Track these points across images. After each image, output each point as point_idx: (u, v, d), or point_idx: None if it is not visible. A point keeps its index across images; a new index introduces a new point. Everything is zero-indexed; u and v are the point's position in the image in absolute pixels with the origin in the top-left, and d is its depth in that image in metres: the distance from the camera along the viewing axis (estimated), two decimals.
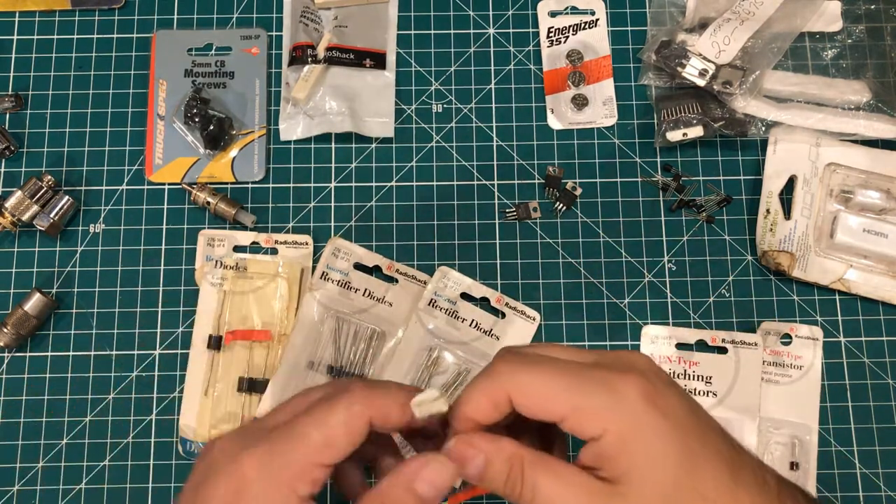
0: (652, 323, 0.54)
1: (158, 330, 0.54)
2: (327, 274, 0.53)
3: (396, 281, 0.54)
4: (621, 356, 0.33)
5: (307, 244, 0.54)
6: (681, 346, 0.53)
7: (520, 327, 0.53)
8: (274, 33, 0.59)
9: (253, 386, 0.52)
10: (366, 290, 0.53)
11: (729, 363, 0.52)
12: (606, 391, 0.31)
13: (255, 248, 0.55)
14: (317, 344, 0.53)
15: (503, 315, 0.53)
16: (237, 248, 0.55)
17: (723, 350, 0.53)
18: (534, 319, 0.53)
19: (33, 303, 0.52)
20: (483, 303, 0.54)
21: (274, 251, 0.54)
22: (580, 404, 0.31)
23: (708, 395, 0.52)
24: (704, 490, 0.30)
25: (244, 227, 0.55)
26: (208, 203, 0.54)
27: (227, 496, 0.31)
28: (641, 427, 0.30)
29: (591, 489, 0.30)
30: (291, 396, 0.35)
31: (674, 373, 0.53)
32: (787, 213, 0.56)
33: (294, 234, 0.55)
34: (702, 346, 0.53)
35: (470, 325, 0.53)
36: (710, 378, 0.52)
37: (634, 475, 0.30)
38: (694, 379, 0.52)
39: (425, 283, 0.54)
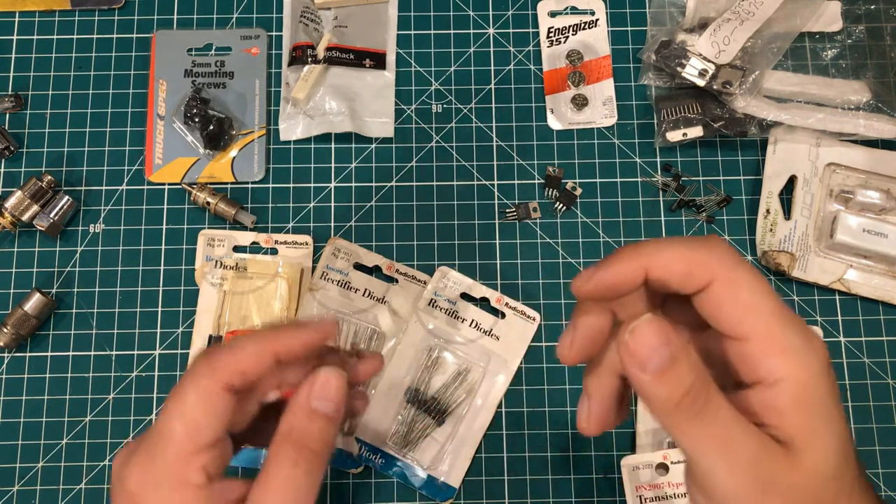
0: None
1: (158, 330, 0.54)
2: (327, 274, 0.53)
3: (396, 281, 0.54)
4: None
5: (307, 244, 0.54)
6: None
7: (520, 327, 0.53)
8: (274, 33, 0.59)
9: None
10: (366, 290, 0.53)
11: None
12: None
13: (255, 248, 0.55)
14: None
15: (503, 315, 0.53)
16: (237, 249, 0.55)
17: None
18: (534, 319, 0.53)
19: (33, 303, 0.52)
20: (483, 303, 0.54)
21: (274, 251, 0.54)
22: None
23: None
24: (855, 471, 0.26)
25: (244, 228, 0.55)
26: (208, 203, 0.54)
27: None
28: (820, 383, 0.25)
29: (764, 446, 0.25)
30: None
31: None
32: (787, 213, 0.56)
33: (294, 235, 0.55)
34: None
35: (470, 325, 0.53)
36: None
37: (811, 441, 0.25)
38: None
39: (425, 283, 0.54)
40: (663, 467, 0.50)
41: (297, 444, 0.31)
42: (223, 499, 0.31)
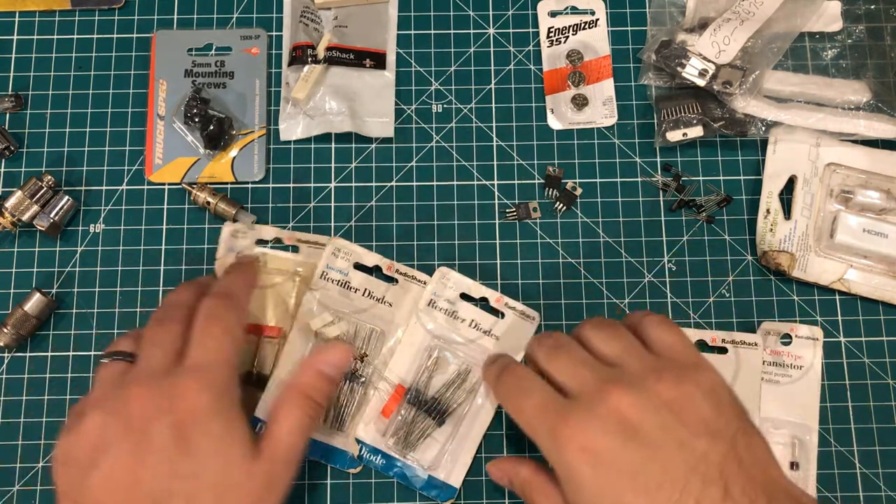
0: None
1: None
2: (327, 274, 0.53)
3: (396, 281, 0.54)
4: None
5: (326, 245, 0.54)
6: None
7: (519, 327, 0.53)
8: (274, 33, 0.59)
9: (260, 380, 0.52)
10: (366, 290, 0.53)
11: (729, 363, 0.52)
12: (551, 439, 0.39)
13: (277, 245, 0.55)
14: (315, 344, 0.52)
15: (503, 315, 0.53)
16: (259, 243, 0.54)
17: (723, 350, 0.53)
18: (533, 319, 0.53)
19: (33, 303, 0.52)
20: (483, 303, 0.54)
21: (295, 249, 0.54)
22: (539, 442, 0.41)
23: None
24: None
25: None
26: (208, 203, 0.54)
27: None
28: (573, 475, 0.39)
29: None
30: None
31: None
32: (787, 213, 0.56)
33: (316, 235, 0.55)
34: (702, 346, 0.53)
35: (469, 326, 0.53)
36: None
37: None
38: None
39: (425, 283, 0.54)
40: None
41: (304, 394, 0.43)
42: None
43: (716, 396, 0.39)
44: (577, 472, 0.38)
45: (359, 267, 0.54)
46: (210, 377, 0.40)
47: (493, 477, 0.48)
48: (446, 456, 0.51)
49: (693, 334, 0.53)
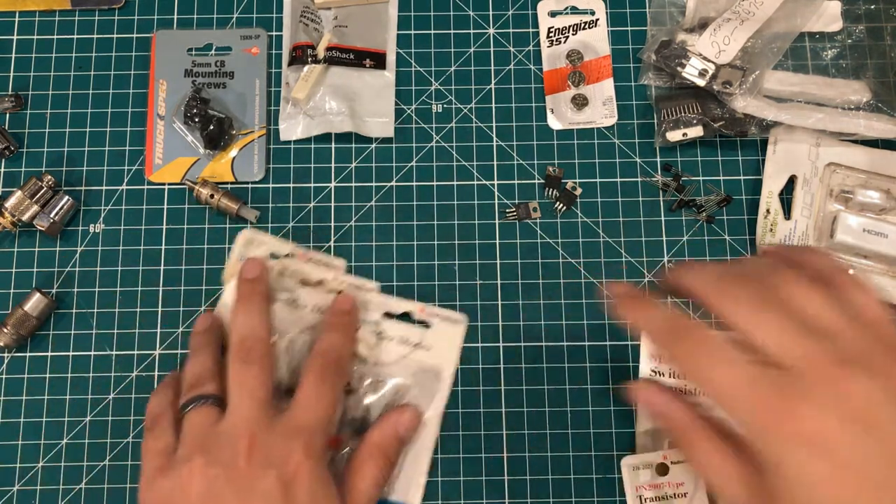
0: None
1: (158, 330, 0.54)
2: (274, 295, 0.50)
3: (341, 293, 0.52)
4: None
5: (340, 268, 0.52)
6: None
7: (447, 333, 0.52)
8: (274, 33, 0.59)
9: None
10: (313, 305, 0.51)
11: None
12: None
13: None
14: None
15: (429, 325, 0.52)
16: (273, 257, 0.52)
17: None
18: (460, 322, 0.52)
19: (33, 303, 0.52)
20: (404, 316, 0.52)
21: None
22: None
23: None
24: None
25: (247, 223, 0.55)
26: (211, 197, 0.54)
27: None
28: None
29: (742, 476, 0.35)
30: None
31: (674, 372, 0.53)
32: (788, 213, 0.56)
33: (328, 256, 0.53)
34: None
35: (398, 343, 0.51)
36: None
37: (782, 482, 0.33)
38: None
39: (361, 288, 0.52)
40: (663, 467, 0.50)
41: (384, 453, 0.47)
42: None
43: None
44: (804, 466, 0.32)
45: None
46: (314, 442, 0.43)
47: (639, 399, 0.40)
48: (400, 474, 0.49)
49: None
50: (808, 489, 0.32)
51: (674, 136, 0.55)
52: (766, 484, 0.33)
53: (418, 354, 0.52)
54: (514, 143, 0.57)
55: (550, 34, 0.59)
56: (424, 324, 0.52)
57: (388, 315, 0.52)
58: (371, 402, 0.50)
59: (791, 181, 0.56)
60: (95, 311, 0.54)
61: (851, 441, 0.31)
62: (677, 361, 0.38)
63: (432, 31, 0.59)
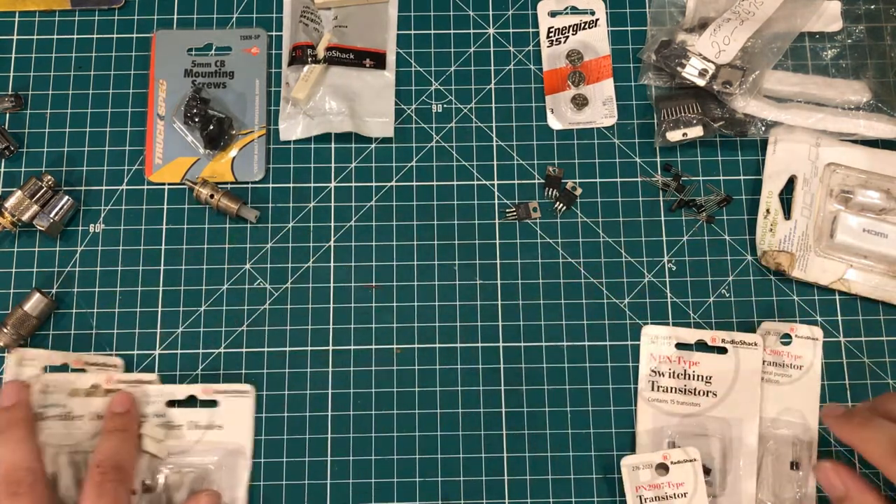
0: (652, 323, 0.54)
1: (158, 330, 0.54)
2: (44, 413, 0.49)
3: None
4: None
5: (116, 367, 0.52)
6: (681, 345, 0.53)
7: (237, 406, 0.52)
8: (274, 33, 0.59)
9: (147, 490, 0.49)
10: (90, 412, 0.50)
11: (729, 363, 0.52)
12: None
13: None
14: (57, 487, 0.48)
15: (216, 403, 0.52)
16: (52, 369, 0.51)
17: (723, 350, 0.53)
18: (247, 393, 0.52)
19: (33, 303, 0.52)
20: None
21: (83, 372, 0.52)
22: None
23: (708, 394, 0.52)
24: None
25: (247, 222, 0.55)
26: (211, 197, 0.54)
27: None
28: None
29: None
30: None
31: (674, 372, 0.53)
32: (788, 213, 0.56)
33: (105, 356, 0.52)
34: (702, 346, 0.53)
35: (188, 429, 0.51)
36: (710, 378, 0.52)
37: None
38: (694, 379, 0.52)
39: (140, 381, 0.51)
40: (663, 467, 0.50)
41: None
42: None
43: None
44: None
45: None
46: None
47: (823, 480, 0.45)
48: None
49: (693, 334, 0.53)
50: None
51: (674, 135, 0.55)
52: None
53: (212, 435, 0.51)
54: (514, 143, 0.57)
55: (550, 34, 0.59)
56: (213, 402, 0.52)
57: (172, 403, 0.51)
58: (175, 495, 0.49)
59: (791, 181, 0.56)
60: (95, 311, 0.54)
61: None
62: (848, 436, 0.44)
63: (432, 31, 0.59)
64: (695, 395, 0.52)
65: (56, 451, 0.49)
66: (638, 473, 0.50)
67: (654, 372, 0.53)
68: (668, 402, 0.52)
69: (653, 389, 0.53)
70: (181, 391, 0.51)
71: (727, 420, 0.51)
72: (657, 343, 0.53)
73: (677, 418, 0.52)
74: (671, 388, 0.52)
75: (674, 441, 0.52)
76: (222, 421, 0.51)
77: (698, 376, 0.52)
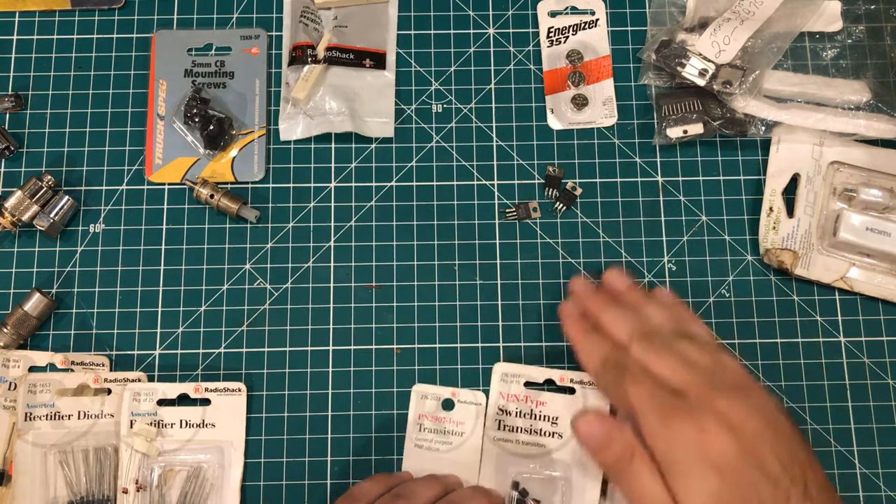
0: (504, 361, 0.53)
1: (158, 330, 0.54)
2: (31, 413, 0.50)
3: (109, 391, 0.51)
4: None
5: (103, 365, 0.52)
6: (529, 384, 0.52)
7: (229, 405, 0.52)
8: (274, 33, 0.59)
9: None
10: (79, 412, 0.50)
11: (577, 404, 0.51)
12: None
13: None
14: (46, 487, 0.49)
15: (208, 402, 0.52)
16: (33, 369, 0.52)
17: (571, 391, 0.52)
18: (239, 391, 0.52)
19: (33, 303, 0.52)
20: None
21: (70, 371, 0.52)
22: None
23: (553, 435, 0.51)
24: None
25: (247, 222, 0.55)
26: (211, 197, 0.54)
27: None
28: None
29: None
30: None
31: (520, 412, 0.51)
32: (790, 211, 0.55)
33: (93, 354, 0.52)
34: (551, 385, 0.52)
35: (181, 427, 0.51)
36: (557, 419, 0.51)
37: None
38: (540, 419, 0.51)
39: (126, 380, 0.51)
40: (450, 403, 0.51)
41: None
42: None
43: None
44: (700, 475, 0.38)
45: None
46: None
47: (582, 433, 0.43)
48: None
49: (542, 373, 0.52)
50: (703, 495, 0.39)
51: (674, 132, 0.55)
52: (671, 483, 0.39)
53: (204, 434, 0.51)
54: (514, 143, 0.57)
55: (550, 34, 0.59)
56: (205, 401, 0.52)
57: (162, 402, 0.51)
58: (168, 493, 0.50)
59: (794, 179, 0.56)
60: (95, 311, 0.54)
61: (730, 451, 0.39)
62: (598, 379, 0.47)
63: (432, 31, 0.59)
64: (540, 435, 0.51)
65: (45, 451, 0.49)
66: (425, 402, 0.52)
67: (502, 410, 0.52)
68: (514, 441, 0.51)
69: (499, 428, 0.51)
70: (173, 390, 0.51)
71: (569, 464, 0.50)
72: (507, 381, 0.52)
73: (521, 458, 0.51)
74: (518, 427, 0.51)
75: (517, 482, 0.50)
76: (214, 419, 0.51)
77: (545, 416, 0.51)
